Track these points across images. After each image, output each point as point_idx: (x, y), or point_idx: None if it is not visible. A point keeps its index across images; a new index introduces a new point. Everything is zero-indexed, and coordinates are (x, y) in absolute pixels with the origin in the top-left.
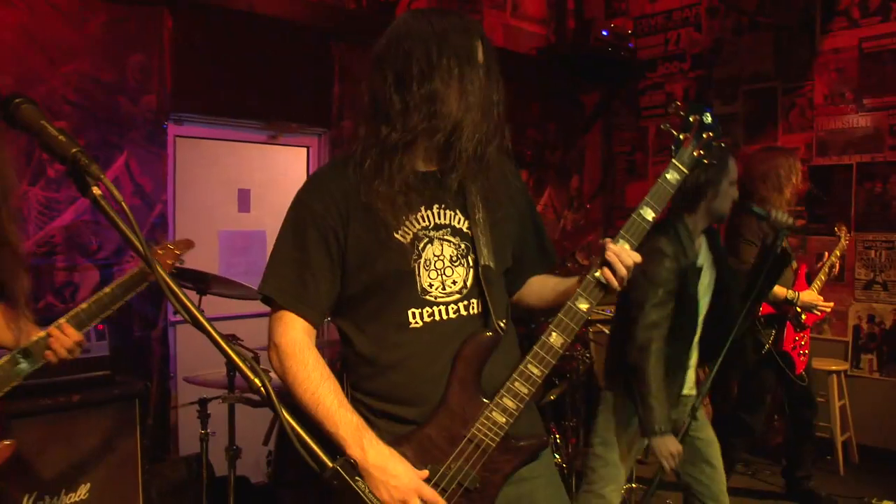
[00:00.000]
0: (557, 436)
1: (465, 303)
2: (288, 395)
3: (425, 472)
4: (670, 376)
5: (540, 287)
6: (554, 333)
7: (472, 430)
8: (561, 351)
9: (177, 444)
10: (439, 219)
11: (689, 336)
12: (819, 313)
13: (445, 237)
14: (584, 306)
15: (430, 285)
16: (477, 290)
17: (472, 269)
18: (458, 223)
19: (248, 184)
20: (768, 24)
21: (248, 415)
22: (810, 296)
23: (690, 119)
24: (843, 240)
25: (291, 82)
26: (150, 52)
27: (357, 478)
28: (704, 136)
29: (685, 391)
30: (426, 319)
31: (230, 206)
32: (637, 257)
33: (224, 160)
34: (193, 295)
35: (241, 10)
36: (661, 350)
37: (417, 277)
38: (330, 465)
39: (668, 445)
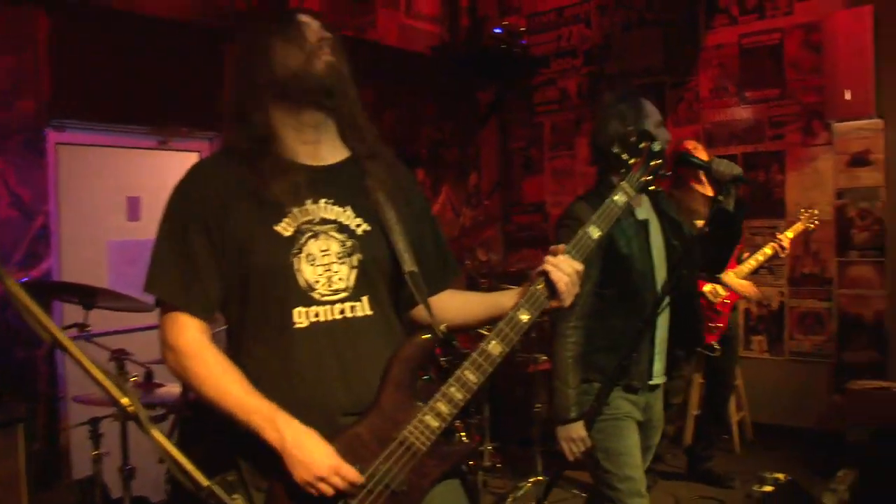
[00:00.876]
0: (463, 434)
1: (352, 304)
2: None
3: (352, 469)
4: (616, 355)
5: (462, 302)
6: (493, 342)
7: (404, 432)
8: (499, 359)
9: (69, 468)
10: (326, 213)
11: (639, 307)
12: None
13: (332, 233)
14: (524, 317)
15: (317, 282)
16: (363, 290)
17: (356, 270)
18: (347, 220)
19: (137, 191)
20: (656, 21)
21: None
22: (731, 278)
23: (640, 146)
24: (802, 224)
25: (180, 85)
26: (24, 55)
27: (235, 496)
28: (652, 164)
29: (654, 379)
30: (312, 319)
31: (119, 215)
32: (578, 266)
33: (111, 167)
34: (79, 310)
35: (124, 10)
36: (577, 330)
37: (297, 272)
38: (205, 483)
39: (571, 431)
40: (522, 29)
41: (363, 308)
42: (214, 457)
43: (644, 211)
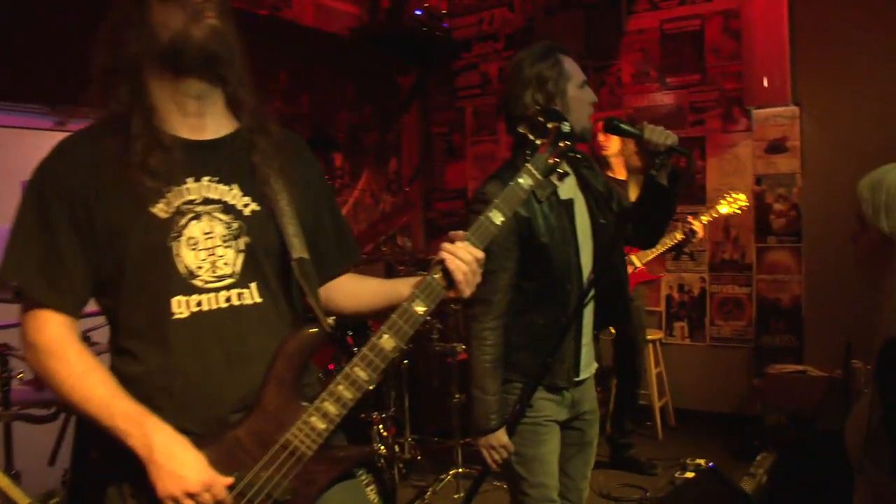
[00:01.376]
0: (380, 426)
1: (239, 291)
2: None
3: (229, 480)
4: (541, 351)
5: (357, 289)
6: (385, 336)
7: (288, 435)
8: (392, 355)
9: None
10: (209, 192)
11: (563, 299)
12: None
13: (216, 214)
14: (420, 309)
15: (199, 268)
16: (251, 276)
17: (242, 254)
18: (233, 199)
19: None
20: (578, 5)
21: (28, 433)
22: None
23: (549, 126)
24: (726, 208)
25: (79, 62)
26: None
27: None
28: (561, 144)
29: (583, 374)
30: (193, 309)
31: (13, 201)
32: (478, 253)
33: (4, 150)
34: None
35: None
36: (494, 332)
37: (176, 257)
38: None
39: (492, 440)
40: (444, 12)
41: (251, 295)
42: (106, 461)
43: (568, 189)
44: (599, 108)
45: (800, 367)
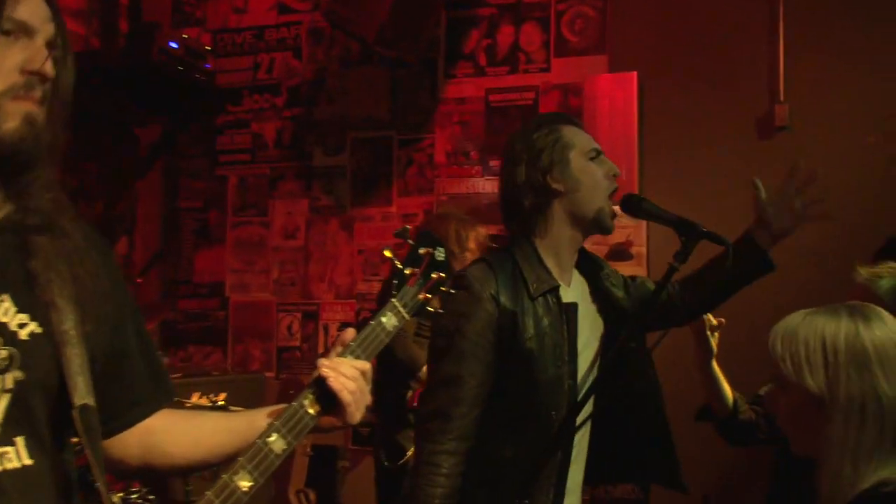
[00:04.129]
0: None
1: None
2: None
3: None
4: (505, 494)
5: (193, 430)
6: (241, 474)
7: None
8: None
9: None
10: None
11: (543, 426)
12: None
13: None
14: (279, 446)
15: None
16: (17, 428)
17: (7, 395)
18: (4, 316)
19: None
20: (384, 60)
21: None
22: None
23: (420, 251)
24: None
25: None
26: None
27: None
28: (434, 276)
29: None
30: None
31: None
32: (364, 366)
33: None
34: None
35: None
36: (452, 457)
37: None
38: None
39: None
40: (207, 48)
41: (18, 456)
42: None
43: (573, 291)
44: (405, 192)
45: None
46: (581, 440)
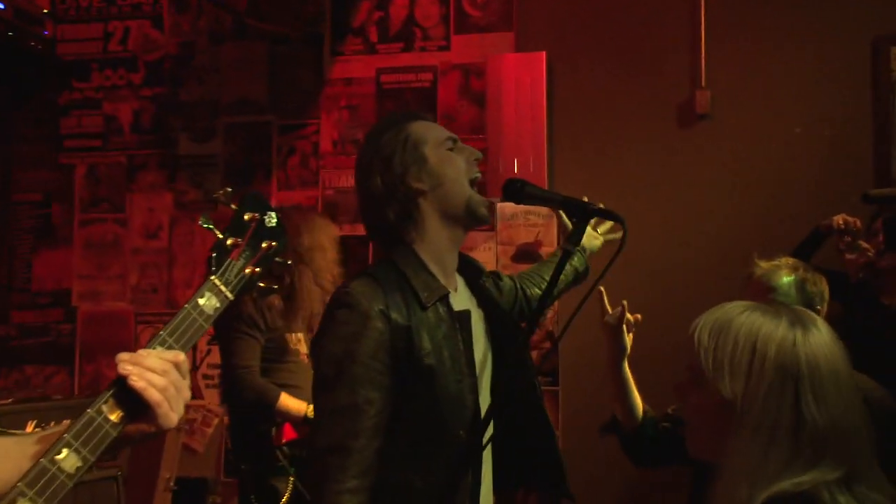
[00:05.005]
0: None
1: None
2: None
3: None
4: None
5: None
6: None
7: None
8: None
9: None
10: None
11: (451, 449)
12: None
13: None
14: (71, 464)
15: None
16: None
17: None
18: None
19: None
20: (262, 33)
21: None
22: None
23: (245, 217)
24: None
25: None
26: None
27: None
28: (264, 245)
29: None
30: None
31: None
32: (179, 356)
33: None
34: None
35: None
36: (356, 495)
37: None
38: None
39: None
40: (45, 11)
41: None
42: None
43: (462, 296)
44: (286, 185)
45: None
46: (487, 457)
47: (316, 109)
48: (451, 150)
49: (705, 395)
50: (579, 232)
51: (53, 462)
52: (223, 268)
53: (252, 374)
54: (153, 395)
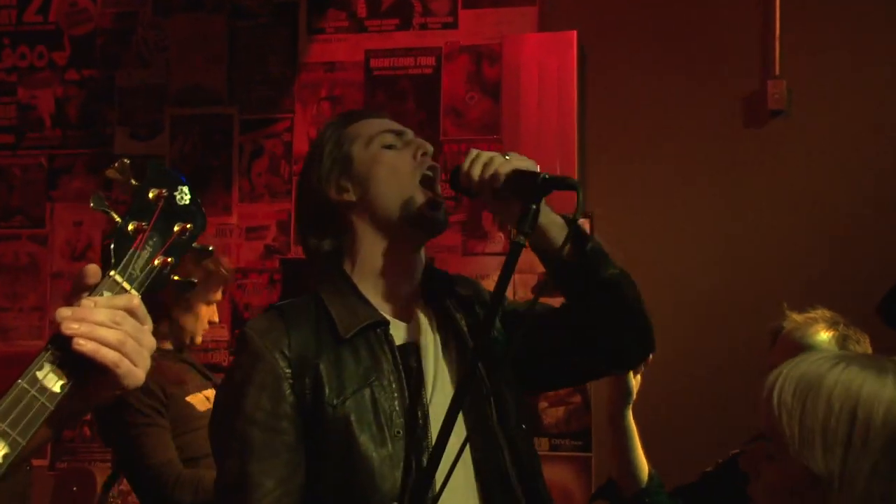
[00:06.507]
0: None
1: None
2: None
3: None
4: None
5: None
6: None
7: None
8: None
9: None
10: None
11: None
12: None
13: None
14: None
15: None
16: None
17: None
18: None
19: None
20: (221, 5)
21: None
22: None
23: (150, 195)
24: None
25: None
26: None
27: None
28: (176, 228)
29: None
30: None
31: None
32: (132, 300)
33: None
34: None
35: None
36: None
37: None
38: None
39: None
40: None
41: None
42: None
43: (415, 327)
44: (252, 195)
45: None
46: None
47: (289, 101)
48: (390, 146)
49: (787, 470)
50: (531, 215)
51: None
52: (125, 260)
53: (174, 467)
54: (108, 355)
